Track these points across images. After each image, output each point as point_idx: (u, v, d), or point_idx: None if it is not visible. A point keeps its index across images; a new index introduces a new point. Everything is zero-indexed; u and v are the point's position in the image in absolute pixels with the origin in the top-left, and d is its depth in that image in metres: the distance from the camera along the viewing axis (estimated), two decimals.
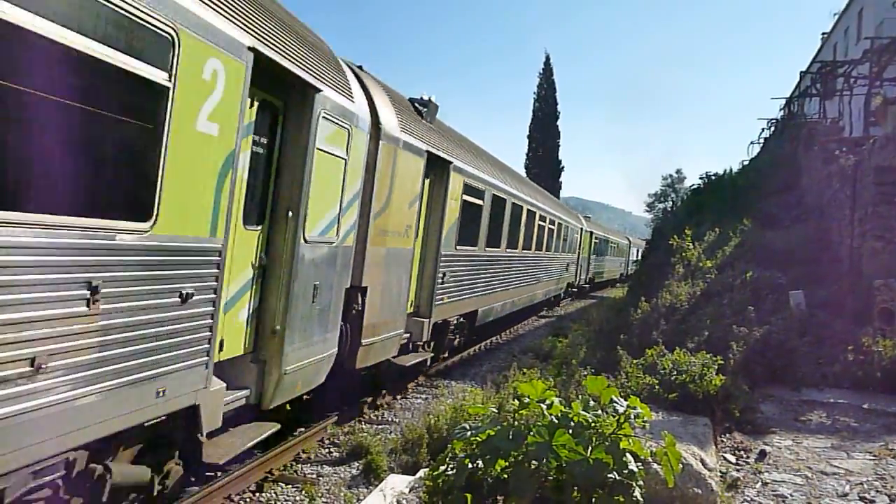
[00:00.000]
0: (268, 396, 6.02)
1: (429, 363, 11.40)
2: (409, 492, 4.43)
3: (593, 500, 3.10)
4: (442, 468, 3.50)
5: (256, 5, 5.31)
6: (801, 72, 30.54)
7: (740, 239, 14.67)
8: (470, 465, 3.35)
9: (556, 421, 3.29)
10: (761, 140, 33.40)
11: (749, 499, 4.82)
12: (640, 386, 6.47)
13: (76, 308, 3.66)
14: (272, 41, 5.38)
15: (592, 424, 3.30)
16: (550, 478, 3.22)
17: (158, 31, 4.02)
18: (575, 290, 31.15)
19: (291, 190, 6.04)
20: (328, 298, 6.89)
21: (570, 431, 3.23)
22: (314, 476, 6.96)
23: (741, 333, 8.70)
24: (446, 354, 12.90)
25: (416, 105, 9.80)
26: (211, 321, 4.92)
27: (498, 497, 3.33)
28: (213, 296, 4.93)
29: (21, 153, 3.40)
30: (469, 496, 3.31)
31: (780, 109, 32.06)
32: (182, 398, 4.72)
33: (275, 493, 6.48)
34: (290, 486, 6.65)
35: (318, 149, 6.21)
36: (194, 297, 4.67)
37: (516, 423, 3.40)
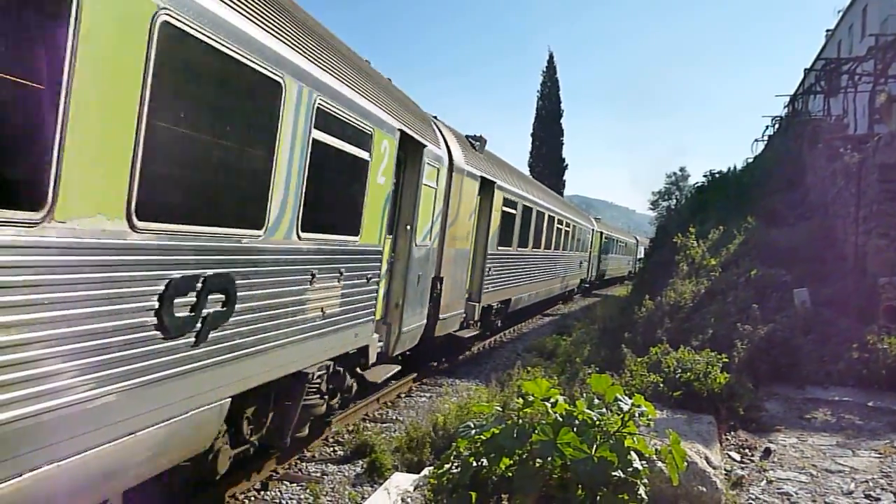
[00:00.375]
0: (391, 347, 8.89)
1: (478, 338, 14.96)
2: (414, 490, 4.44)
3: (598, 498, 3.10)
4: (446, 466, 3.50)
5: (399, 101, 8.43)
6: (806, 69, 30.46)
7: (744, 237, 14.63)
8: (474, 464, 3.35)
9: (561, 419, 3.30)
10: (765, 138, 33.34)
11: (754, 497, 4.81)
12: (644, 384, 6.47)
13: (334, 283, 6.55)
14: (406, 121, 8.26)
15: (597, 423, 3.30)
16: (555, 476, 3.23)
17: (366, 132, 6.92)
18: (587, 285, 32.79)
19: (408, 212, 8.92)
20: (424, 284, 9.84)
21: (575, 430, 3.22)
22: (319, 474, 6.98)
23: (745, 331, 8.68)
24: (468, 335, 15.51)
25: (471, 140, 12.77)
26: (375, 294, 7.84)
27: (502, 495, 3.33)
28: (377, 279, 7.84)
29: (323, 203, 6.22)
30: (474, 494, 3.31)
31: (785, 107, 31.98)
32: (363, 339, 7.64)
33: (279, 491, 6.50)
34: (294, 484, 6.67)
35: (423, 184, 9.13)
36: (371, 279, 7.54)
37: (521, 421, 3.40)
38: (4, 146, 3.11)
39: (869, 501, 4.74)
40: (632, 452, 3.22)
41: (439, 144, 9.96)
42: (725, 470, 5.14)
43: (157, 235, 3.93)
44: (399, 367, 9.31)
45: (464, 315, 12.60)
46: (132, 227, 3.71)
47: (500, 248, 14.42)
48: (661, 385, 6.38)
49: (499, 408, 3.67)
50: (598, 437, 3.24)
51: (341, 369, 7.35)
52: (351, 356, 7.52)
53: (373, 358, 8.07)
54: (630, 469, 3.15)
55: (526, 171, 42.72)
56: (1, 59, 3.01)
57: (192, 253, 4.25)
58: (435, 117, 11.11)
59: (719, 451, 5.43)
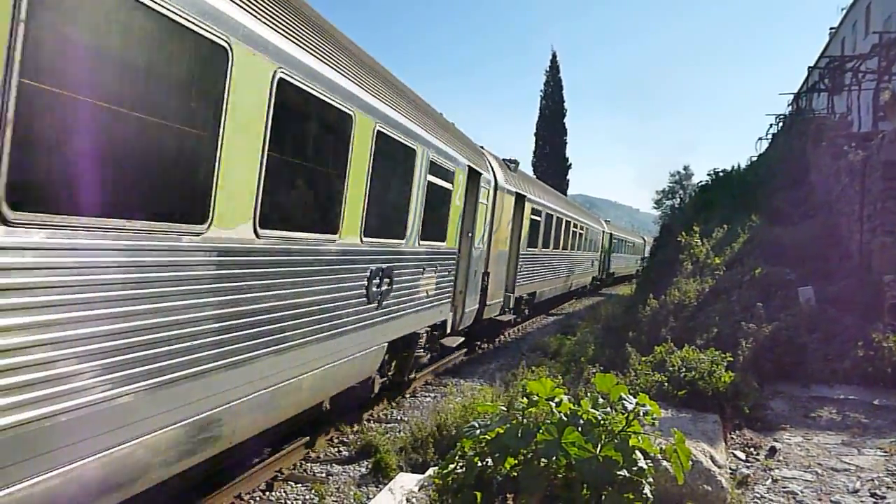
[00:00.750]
0: (457, 323, 11.84)
1: (513, 323, 18.06)
2: (419, 490, 4.44)
3: (603, 497, 3.10)
4: (451, 466, 3.50)
5: (465, 143, 11.33)
6: (809, 67, 30.36)
7: (749, 235, 14.59)
8: (479, 463, 3.36)
9: (566, 419, 3.30)
10: (769, 136, 33.20)
11: (759, 496, 4.81)
12: (649, 383, 6.46)
13: (433, 274, 9.45)
14: (471, 158, 11.16)
15: (602, 422, 3.30)
16: (560, 475, 3.23)
17: (451, 171, 9.85)
18: (598, 282, 34.86)
19: (469, 223, 11.70)
20: (477, 278, 12.79)
21: (580, 429, 3.23)
22: (324, 475, 6.98)
23: (750, 330, 8.66)
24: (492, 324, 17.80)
25: (507, 163, 15.43)
26: (454, 283, 11.03)
27: (507, 495, 3.34)
28: (455, 272, 10.98)
29: (429, 221, 8.94)
30: (478, 494, 3.32)
31: (789, 105, 31.85)
32: (444, 315, 10.71)
33: (284, 491, 6.51)
34: (299, 484, 6.68)
35: (479, 202, 12.09)
36: (450, 272, 10.51)
37: (525, 421, 3.41)
38: (330, 209, 6.15)
39: (875, 500, 4.73)
40: (637, 452, 3.22)
41: (488, 170, 12.90)
42: (731, 469, 5.13)
43: (368, 244, 6.95)
44: (463, 338, 12.62)
45: (502, 303, 15.55)
46: (361, 240, 6.77)
47: (528, 249, 17.44)
48: (666, 384, 6.37)
49: (503, 407, 3.67)
50: (603, 436, 3.24)
51: (436, 333, 10.58)
52: (437, 326, 10.49)
53: (448, 329, 11.29)
54: (635, 468, 3.15)
55: (529, 171, 42.79)
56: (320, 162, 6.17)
57: (378, 254, 7.29)
58: (482, 147, 13.64)
59: (724, 450, 5.42)
